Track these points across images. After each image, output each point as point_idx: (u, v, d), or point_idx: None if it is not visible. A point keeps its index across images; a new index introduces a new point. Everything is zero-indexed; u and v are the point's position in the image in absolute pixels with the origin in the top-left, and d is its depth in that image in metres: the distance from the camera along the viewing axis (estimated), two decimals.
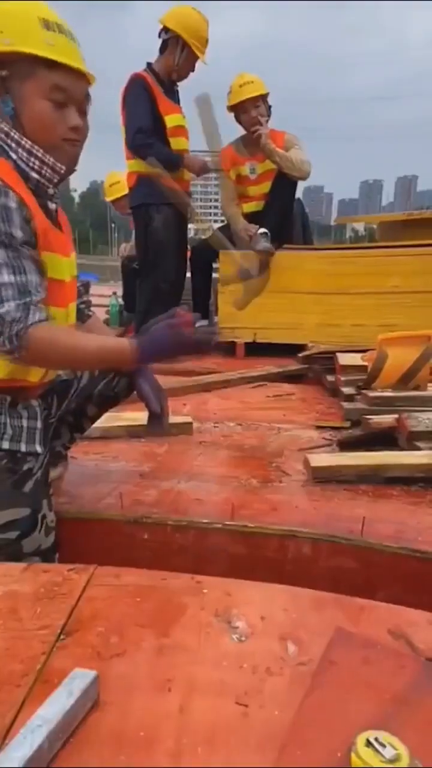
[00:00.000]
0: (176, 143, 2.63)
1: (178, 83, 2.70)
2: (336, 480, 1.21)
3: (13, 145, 0.89)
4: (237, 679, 0.61)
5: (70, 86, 0.89)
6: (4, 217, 0.84)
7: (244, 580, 0.82)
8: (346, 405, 1.66)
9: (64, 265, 0.99)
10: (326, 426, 1.60)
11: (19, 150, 0.89)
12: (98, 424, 1.51)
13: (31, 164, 0.90)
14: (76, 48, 0.91)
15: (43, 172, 0.91)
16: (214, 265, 3.03)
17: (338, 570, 0.97)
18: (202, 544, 1.02)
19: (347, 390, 1.74)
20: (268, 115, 2.85)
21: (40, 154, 0.89)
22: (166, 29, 2.53)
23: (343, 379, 1.81)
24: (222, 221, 3.08)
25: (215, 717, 0.56)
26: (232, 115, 2.84)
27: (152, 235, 2.67)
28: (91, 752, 0.51)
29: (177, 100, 2.71)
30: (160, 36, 2.57)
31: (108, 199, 3.61)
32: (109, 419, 1.56)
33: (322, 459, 1.24)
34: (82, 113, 0.93)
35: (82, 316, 1.20)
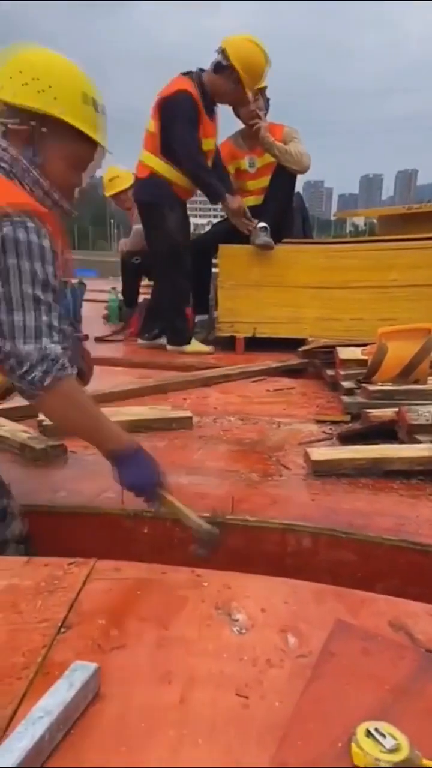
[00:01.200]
0: None
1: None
2: (336, 474, 1.21)
3: (21, 172, 0.92)
4: (237, 671, 0.61)
5: (93, 160, 0.99)
6: (45, 258, 0.86)
7: (244, 573, 0.82)
8: (346, 399, 1.66)
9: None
10: (326, 420, 1.60)
11: (26, 176, 0.93)
12: None
13: (35, 193, 0.94)
14: (106, 124, 0.98)
15: (46, 203, 0.94)
16: (213, 260, 3.01)
17: (338, 563, 0.97)
18: None
19: (347, 384, 1.73)
20: (266, 108, 2.83)
21: (46, 187, 0.94)
22: (224, 54, 2.47)
23: (342, 373, 1.81)
24: (222, 216, 3.06)
25: (215, 708, 0.56)
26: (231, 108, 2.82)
27: (169, 235, 2.64)
28: (92, 743, 0.51)
29: (214, 118, 2.66)
30: (217, 52, 2.50)
31: (108, 194, 3.60)
32: (111, 414, 1.56)
33: (322, 453, 1.24)
34: (88, 174, 1.03)
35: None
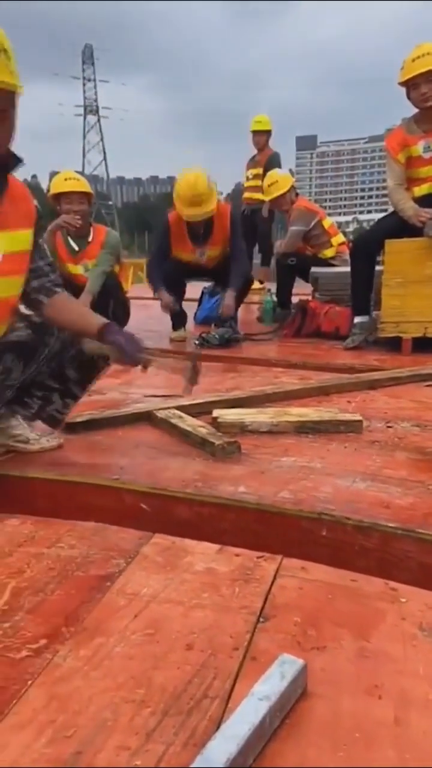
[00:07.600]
0: None
1: None
2: None
3: None
4: None
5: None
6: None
7: None
8: None
9: None
10: None
11: None
12: (266, 419, 1.54)
13: None
14: (6, 61, 0.98)
15: None
16: (378, 258, 2.84)
17: None
18: (388, 549, 0.96)
19: None
20: None
21: None
22: None
23: None
24: (377, 210, 2.87)
25: None
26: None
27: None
28: (309, 740, 0.51)
29: None
30: None
31: (267, 198, 3.67)
32: (276, 414, 1.58)
33: None
34: (3, 117, 1.02)
35: (49, 292, 1.23)
